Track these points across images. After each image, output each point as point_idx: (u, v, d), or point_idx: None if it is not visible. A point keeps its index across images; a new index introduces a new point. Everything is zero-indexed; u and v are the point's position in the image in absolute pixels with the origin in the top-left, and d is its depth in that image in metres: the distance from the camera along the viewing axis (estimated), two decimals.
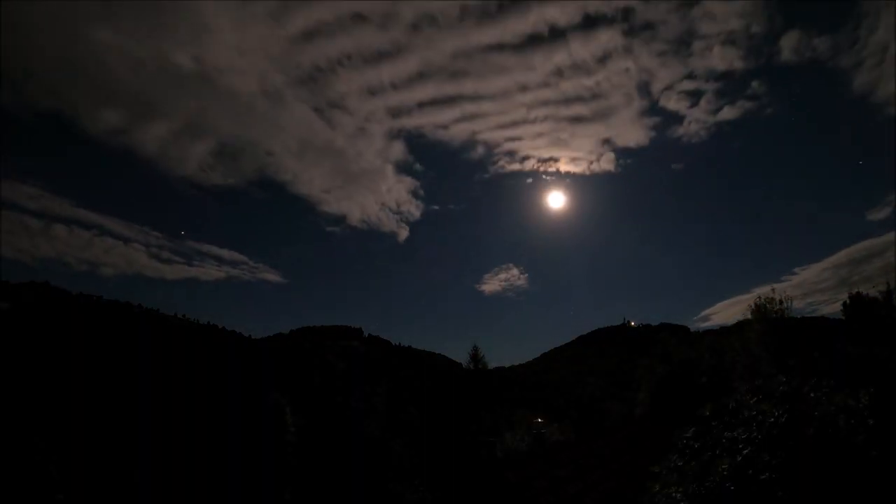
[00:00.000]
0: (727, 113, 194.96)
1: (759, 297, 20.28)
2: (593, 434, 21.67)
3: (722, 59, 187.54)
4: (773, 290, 20.00)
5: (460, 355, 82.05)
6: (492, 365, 62.48)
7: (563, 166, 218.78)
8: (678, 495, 6.54)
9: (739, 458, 6.01)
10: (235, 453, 19.85)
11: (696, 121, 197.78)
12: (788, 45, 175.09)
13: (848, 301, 21.67)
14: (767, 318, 19.56)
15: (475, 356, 51.28)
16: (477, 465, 24.55)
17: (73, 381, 21.11)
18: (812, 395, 6.44)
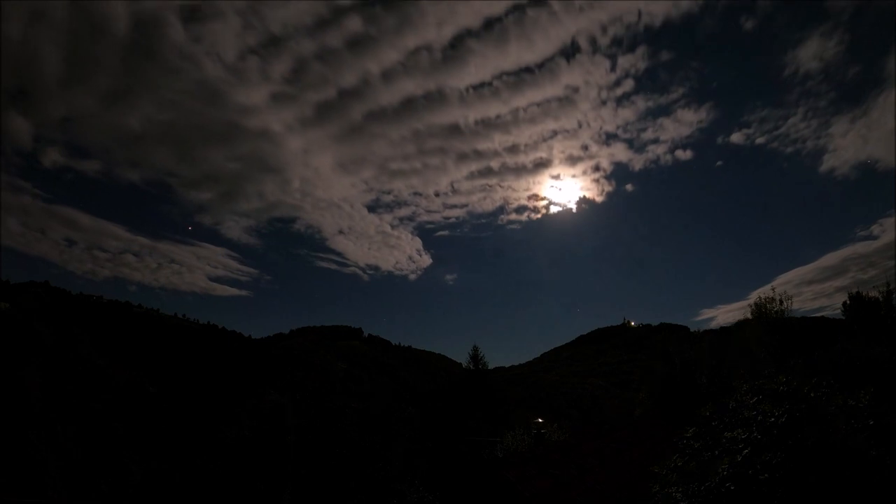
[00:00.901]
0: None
1: (759, 297, 20.33)
2: (593, 434, 21.66)
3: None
4: (773, 289, 20.04)
5: (460, 355, 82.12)
6: (492, 365, 62.60)
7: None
8: (678, 495, 6.54)
9: (739, 458, 6.02)
10: (235, 453, 19.85)
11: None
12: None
13: (848, 301, 21.69)
14: (767, 318, 19.59)
15: (475, 356, 51.40)
16: (477, 465, 24.56)
17: (72, 379, 21.11)
18: (812, 395, 6.45)
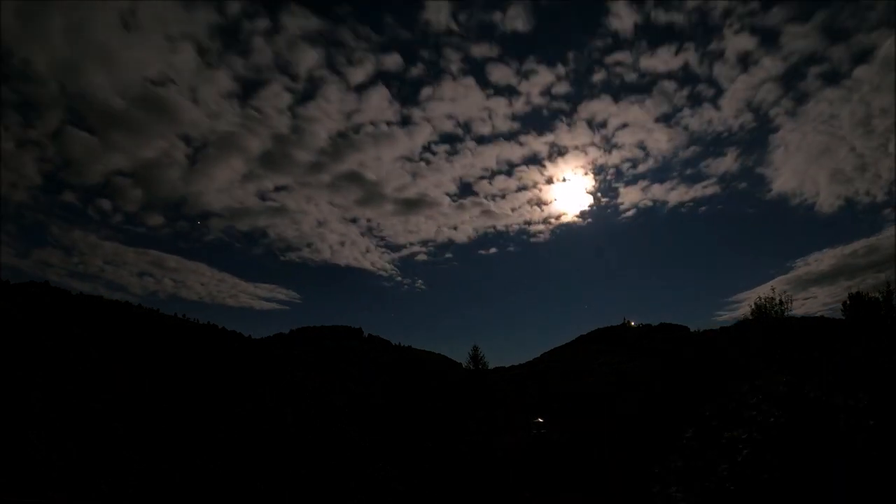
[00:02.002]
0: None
1: (759, 298, 20.30)
2: (593, 434, 21.66)
3: None
4: (773, 289, 19.99)
5: (461, 355, 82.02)
6: (492, 365, 62.59)
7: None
8: (678, 495, 6.54)
9: (739, 459, 6.02)
10: (235, 453, 19.84)
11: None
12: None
13: (848, 301, 21.66)
14: (767, 318, 19.55)
15: (475, 356, 51.42)
16: (477, 465, 24.56)
17: (72, 379, 21.10)
18: (812, 395, 6.44)
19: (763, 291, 20.28)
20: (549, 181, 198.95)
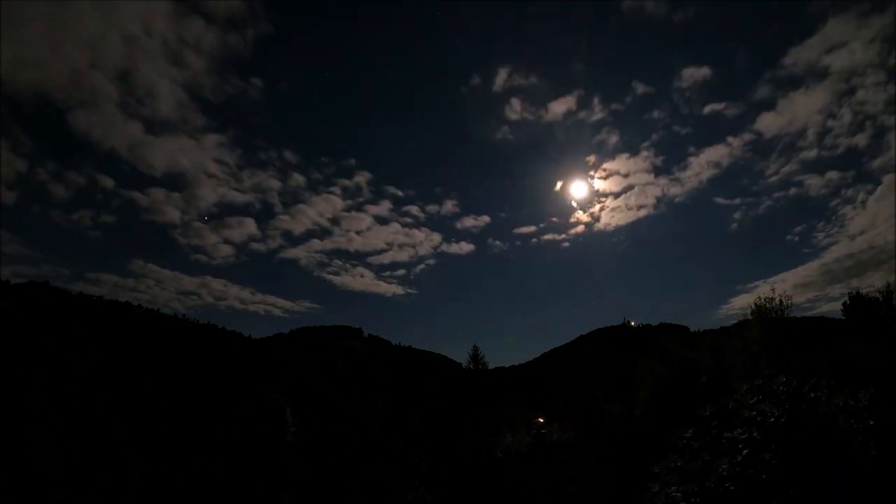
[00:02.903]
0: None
1: (759, 297, 20.27)
2: (593, 434, 21.65)
3: None
4: (772, 289, 19.97)
5: (461, 355, 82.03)
6: (492, 365, 62.61)
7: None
8: (678, 495, 6.54)
9: (739, 458, 6.01)
10: (235, 453, 19.84)
11: None
12: None
13: (848, 301, 21.64)
14: (767, 318, 19.52)
15: (475, 356, 51.39)
16: (477, 465, 24.56)
17: (72, 379, 21.10)
18: (812, 395, 6.44)
19: (763, 291, 20.29)
20: None
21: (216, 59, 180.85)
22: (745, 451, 6.07)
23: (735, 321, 24.66)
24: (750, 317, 20.13)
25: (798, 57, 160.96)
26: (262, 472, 19.84)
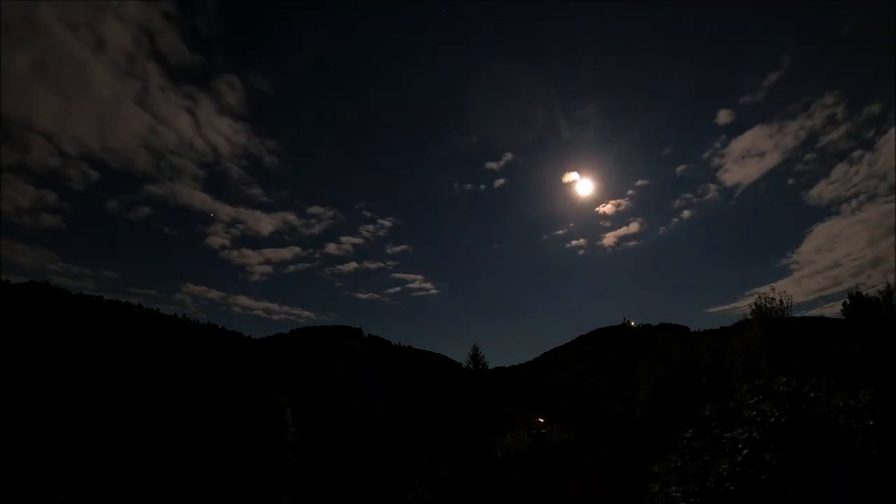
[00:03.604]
0: None
1: (759, 297, 20.24)
2: (593, 434, 21.65)
3: None
4: (772, 289, 19.95)
5: (461, 355, 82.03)
6: (492, 365, 62.57)
7: None
8: (678, 495, 6.54)
9: (739, 458, 6.01)
10: (235, 453, 19.83)
11: None
12: None
13: (848, 301, 21.64)
14: (767, 318, 19.50)
15: (475, 356, 51.36)
16: (477, 465, 24.55)
17: (72, 379, 21.09)
18: (812, 395, 6.44)
19: (763, 291, 20.27)
20: None
21: None
22: (745, 451, 6.06)
23: (735, 321, 24.65)
24: (750, 317, 20.12)
25: None
26: (262, 472, 19.83)
